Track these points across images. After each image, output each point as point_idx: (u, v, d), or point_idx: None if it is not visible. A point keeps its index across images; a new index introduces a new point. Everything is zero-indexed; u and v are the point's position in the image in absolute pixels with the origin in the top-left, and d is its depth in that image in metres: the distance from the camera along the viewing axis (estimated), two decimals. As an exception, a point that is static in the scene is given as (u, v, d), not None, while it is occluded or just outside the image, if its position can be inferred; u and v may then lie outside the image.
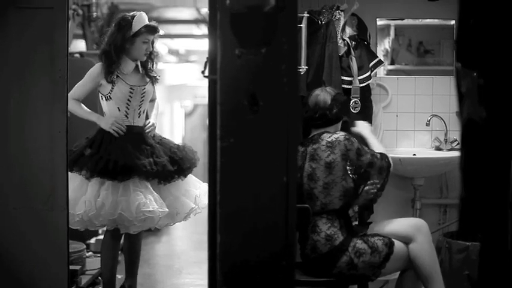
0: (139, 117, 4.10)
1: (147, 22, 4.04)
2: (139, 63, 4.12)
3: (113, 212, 3.85)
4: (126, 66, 4.06)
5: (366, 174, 3.56)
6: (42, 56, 3.56)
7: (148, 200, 3.88)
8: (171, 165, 4.01)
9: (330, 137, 3.53)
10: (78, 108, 4.05)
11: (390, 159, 3.63)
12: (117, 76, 4.01)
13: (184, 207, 4.05)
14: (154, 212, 3.86)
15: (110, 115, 4.04)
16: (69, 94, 3.76)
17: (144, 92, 4.10)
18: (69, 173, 3.90)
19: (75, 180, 3.92)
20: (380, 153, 3.61)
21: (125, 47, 4.03)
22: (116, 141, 3.97)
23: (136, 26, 4.01)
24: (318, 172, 3.51)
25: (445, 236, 4.14)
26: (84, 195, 3.88)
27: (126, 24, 4.02)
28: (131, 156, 3.92)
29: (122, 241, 4.20)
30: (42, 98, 3.58)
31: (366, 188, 3.57)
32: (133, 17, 4.03)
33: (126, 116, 4.05)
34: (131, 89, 4.04)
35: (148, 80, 4.13)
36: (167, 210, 3.94)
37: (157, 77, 4.19)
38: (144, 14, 4.06)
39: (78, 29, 5.86)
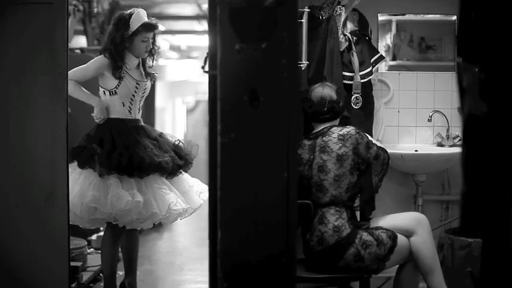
0: (139, 112, 4.09)
1: (145, 20, 3.99)
2: (140, 59, 4.10)
3: (142, 211, 3.83)
4: (131, 61, 4.03)
5: (369, 166, 3.59)
6: (42, 51, 3.55)
7: (174, 197, 3.89)
8: (179, 160, 4.02)
9: (341, 131, 3.58)
10: (78, 90, 3.97)
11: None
12: (125, 71, 4.00)
13: (193, 203, 4.05)
14: (179, 210, 3.89)
15: (113, 110, 4.02)
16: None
17: (145, 88, 4.10)
18: (81, 170, 3.88)
19: (89, 177, 3.87)
20: (380, 146, 3.67)
21: (125, 46, 3.99)
22: (127, 136, 3.94)
23: (134, 25, 3.96)
24: (329, 164, 3.54)
25: (447, 232, 4.13)
26: (109, 193, 3.81)
27: (124, 24, 3.97)
28: (153, 152, 3.91)
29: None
30: (42, 94, 3.56)
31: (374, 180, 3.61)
32: (130, 15, 3.97)
33: (130, 111, 4.03)
34: (137, 84, 4.03)
35: (146, 77, 4.12)
36: (189, 205, 3.96)
37: (155, 74, 4.17)
38: (141, 12, 4.00)
39: (79, 24, 5.84)
